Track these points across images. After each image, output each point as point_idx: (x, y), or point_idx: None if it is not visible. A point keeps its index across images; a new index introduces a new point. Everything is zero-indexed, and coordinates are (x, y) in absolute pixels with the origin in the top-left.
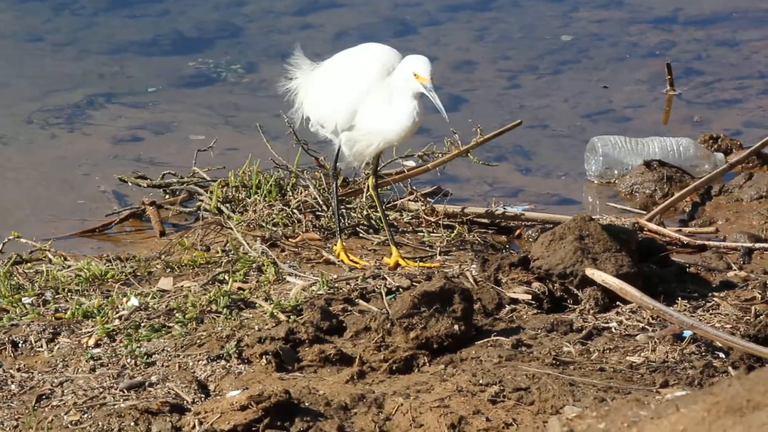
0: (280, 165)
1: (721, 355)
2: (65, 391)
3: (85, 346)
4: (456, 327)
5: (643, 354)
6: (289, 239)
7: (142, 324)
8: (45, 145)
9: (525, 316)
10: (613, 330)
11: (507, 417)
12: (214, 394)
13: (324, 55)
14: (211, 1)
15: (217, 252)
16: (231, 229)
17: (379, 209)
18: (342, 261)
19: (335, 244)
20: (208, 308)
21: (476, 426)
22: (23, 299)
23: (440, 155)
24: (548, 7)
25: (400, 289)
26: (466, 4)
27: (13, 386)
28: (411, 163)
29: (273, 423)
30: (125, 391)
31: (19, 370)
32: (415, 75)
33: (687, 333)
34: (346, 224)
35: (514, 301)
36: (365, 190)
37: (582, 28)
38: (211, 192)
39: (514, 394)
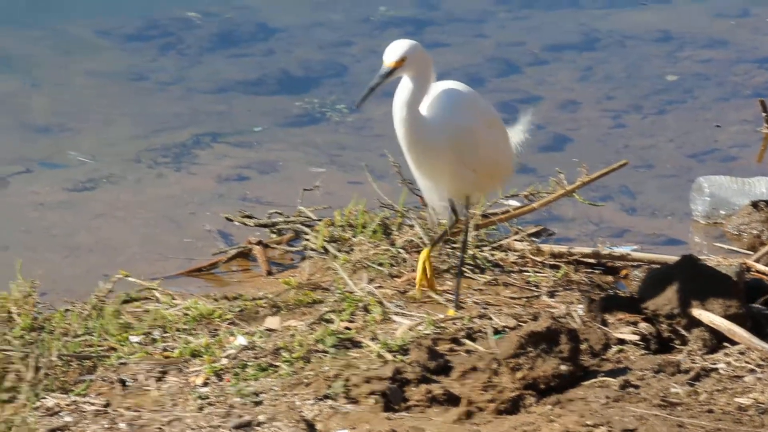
0: (385, 204)
1: None
2: (174, 429)
3: (193, 384)
4: (563, 367)
5: (751, 395)
6: (395, 279)
7: (250, 363)
8: (152, 184)
9: (632, 357)
10: (722, 371)
11: None
12: None
13: None
14: (316, 41)
15: (324, 292)
16: (337, 268)
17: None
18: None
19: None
20: (315, 348)
21: None
22: (131, 338)
23: (545, 195)
24: (653, 47)
25: (507, 329)
26: (571, 43)
27: (122, 425)
28: (515, 203)
29: None
30: (233, 431)
31: (128, 408)
32: None
33: None
34: (452, 264)
35: (621, 341)
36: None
37: (687, 67)
38: (318, 231)
39: None
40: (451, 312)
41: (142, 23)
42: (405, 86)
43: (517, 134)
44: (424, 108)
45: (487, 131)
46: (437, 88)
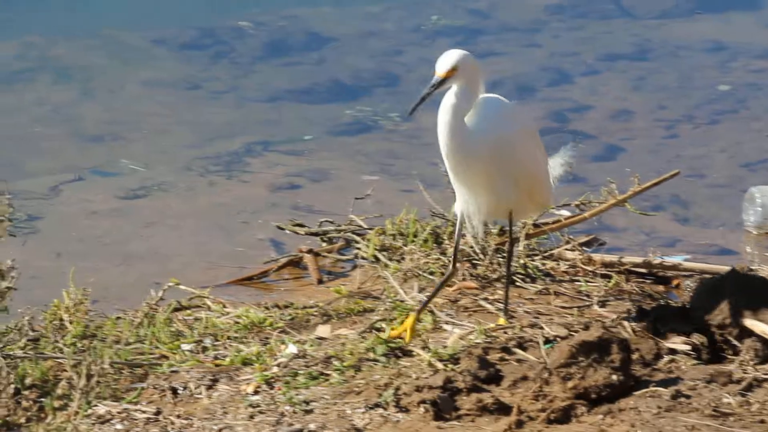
0: (436, 213)
1: None
2: None
3: (243, 393)
4: (614, 377)
5: None
6: (446, 288)
7: (300, 371)
8: (204, 193)
9: (684, 367)
10: None
11: None
12: None
13: None
14: (367, 49)
15: (375, 300)
16: (388, 277)
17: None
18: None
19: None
20: (366, 356)
21: None
22: (183, 346)
23: (597, 204)
24: (705, 57)
25: (558, 339)
26: (623, 53)
27: None
28: (566, 213)
29: None
30: None
31: (179, 416)
32: None
33: None
34: (503, 273)
35: (673, 351)
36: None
37: (740, 77)
38: (369, 240)
39: None
40: (502, 321)
41: (196, 33)
42: (452, 94)
43: (556, 167)
44: (465, 118)
45: (527, 142)
46: (478, 98)
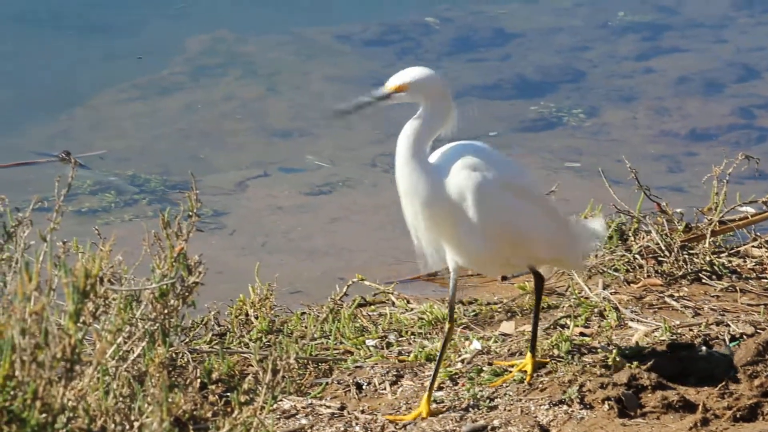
0: (621, 210)
1: None
2: None
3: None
4: None
5: None
6: (631, 284)
7: (484, 368)
8: (388, 188)
9: None
10: None
11: None
12: None
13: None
14: (553, 45)
15: (559, 297)
16: (572, 274)
17: None
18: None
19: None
20: (550, 353)
21: None
22: (367, 341)
23: None
24: None
25: (744, 336)
26: None
27: (357, 428)
28: (752, 210)
29: None
30: None
31: (363, 411)
32: None
33: None
34: (689, 270)
35: None
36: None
37: None
38: None
39: None
40: (528, 361)
41: (381, 29)
42: (412, 120)
43: (598, 226)
44: (435, 158)
45: (502, 195)
46: (457, 143)
